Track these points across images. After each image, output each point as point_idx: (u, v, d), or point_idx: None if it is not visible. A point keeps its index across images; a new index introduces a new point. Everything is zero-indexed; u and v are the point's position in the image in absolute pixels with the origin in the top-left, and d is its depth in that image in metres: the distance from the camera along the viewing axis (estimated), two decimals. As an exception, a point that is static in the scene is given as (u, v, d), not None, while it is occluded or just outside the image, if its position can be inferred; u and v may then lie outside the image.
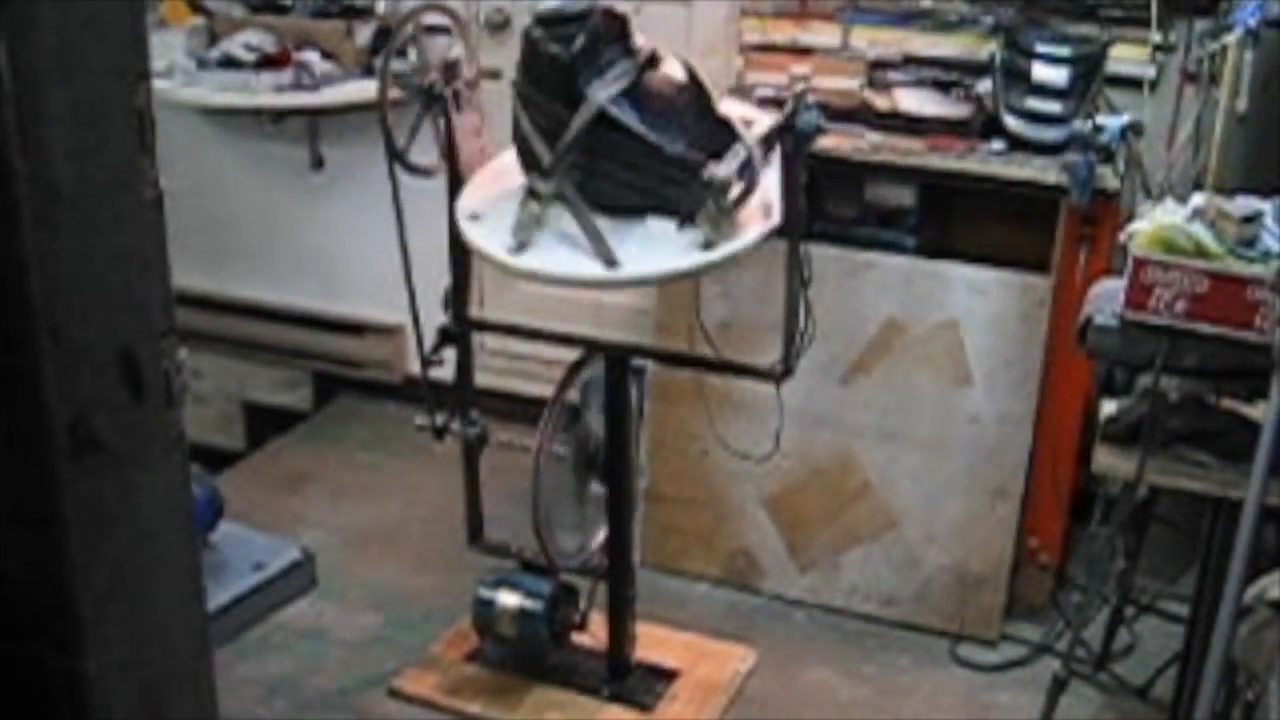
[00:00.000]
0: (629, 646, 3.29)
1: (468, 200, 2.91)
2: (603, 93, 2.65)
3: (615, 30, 2.72)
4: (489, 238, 2.78)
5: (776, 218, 2.73)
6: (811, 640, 3.59)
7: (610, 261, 2.67)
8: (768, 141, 2.71)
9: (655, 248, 2.71)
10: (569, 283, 2.88)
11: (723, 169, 2.63)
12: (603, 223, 2.70)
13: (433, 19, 3.00)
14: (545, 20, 2.67)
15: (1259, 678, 2.32)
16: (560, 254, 2.71)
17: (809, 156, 2.73)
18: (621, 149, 2.69)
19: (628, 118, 2.67)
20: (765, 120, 2.84)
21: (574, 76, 2.65)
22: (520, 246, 2.72)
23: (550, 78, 2.68)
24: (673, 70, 2.77)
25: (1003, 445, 3.44)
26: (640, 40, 2.75)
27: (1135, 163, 3.47)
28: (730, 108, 2.89)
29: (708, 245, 2.66)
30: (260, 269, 4.81)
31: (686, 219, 2.67)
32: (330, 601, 3.61)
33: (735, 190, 2.65)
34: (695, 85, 2.73)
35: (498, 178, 2.92)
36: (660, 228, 2.71)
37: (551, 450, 3.02)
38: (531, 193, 2.71)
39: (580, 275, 2.73)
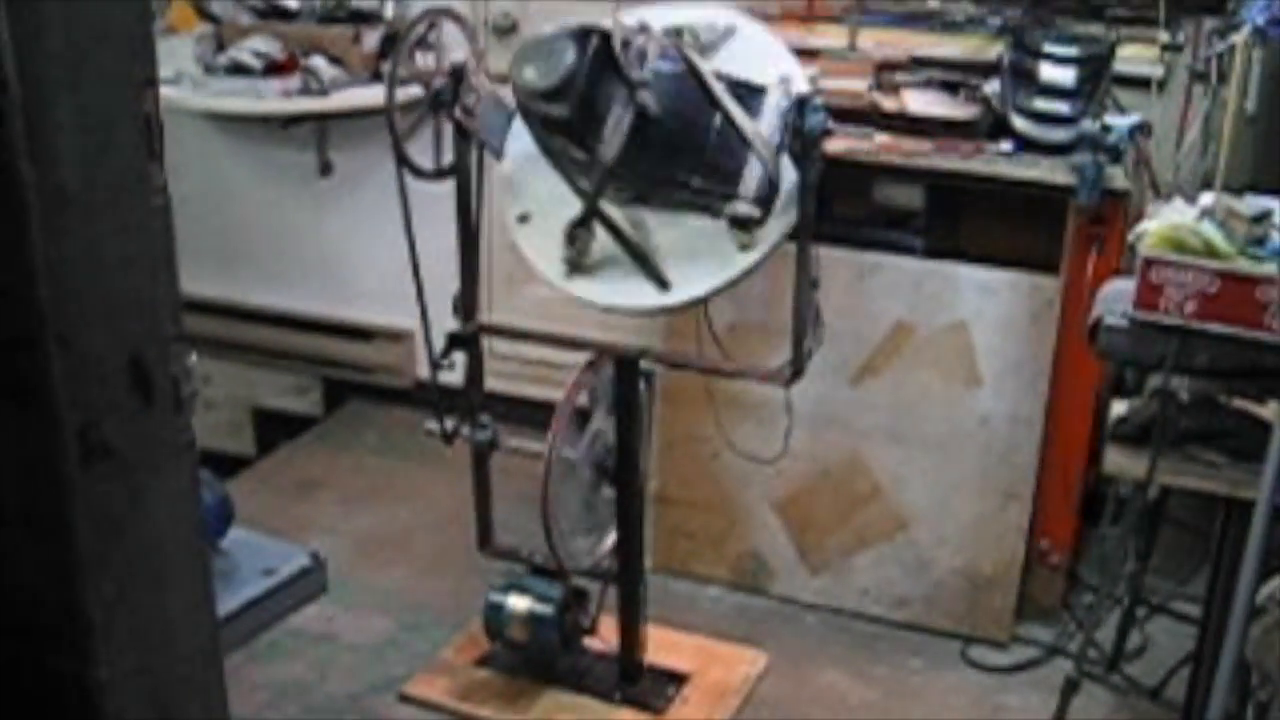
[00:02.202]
0: (640, 650, 3.29)
1: (518, 199, 2.92)
2: (610, 148, 2.65)
3: (603, 62, 2.66)
4: (541, 252, 2.84)
5: (795, 207, 2.74)
6: (822, 643, 3.58)
7: (662, 283, 2.75)
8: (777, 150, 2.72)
9: (698, 253, 2.77)
10: (626, 312, 2.92)
11: (743, 206, 2.67)
12: (644, 214, 2.79)
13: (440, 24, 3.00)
14: (533, 95, 2.64)
15: (1272, 678, 2.32)
16: (612, 278, 2.78)
17: (817, 158, 2.73)
18: (644, 181, 2.76)
19: (642, 165, 2.72)
20: (785, 62, 2.86)
21: (578, 132, 2.67)
22: (572, 270, 2.79)
23: (556, 133, 2.71)
24: (666, 67, 2.76)
25: (1013, 446, 3.44)
26: (629, 53, 2.73)
27: (1144, 162, 3.46)
28: (749, 51, 2.90)
29: (744, 246, 2.73)
30: (269, 274, 4.82)
31: (721, 214, 2.72)
32: (340, 606, 3.61)
33: (758, 213, 2.69)
34: (694, 76, 2.74)
35: (535, 164, 2.89)
36: (697, 222, 2.77)
37: (561, 454, 3.01)
38: (572, 235, 2.76)
39: (636, 305, 2.82)
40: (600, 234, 2.78)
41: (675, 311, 2.98)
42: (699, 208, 2.77)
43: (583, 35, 2.64)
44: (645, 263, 2.75)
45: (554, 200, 2.81)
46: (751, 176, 2.69)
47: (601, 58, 2.65)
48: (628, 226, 2.78)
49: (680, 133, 2.75)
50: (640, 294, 2.78)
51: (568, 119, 2.62)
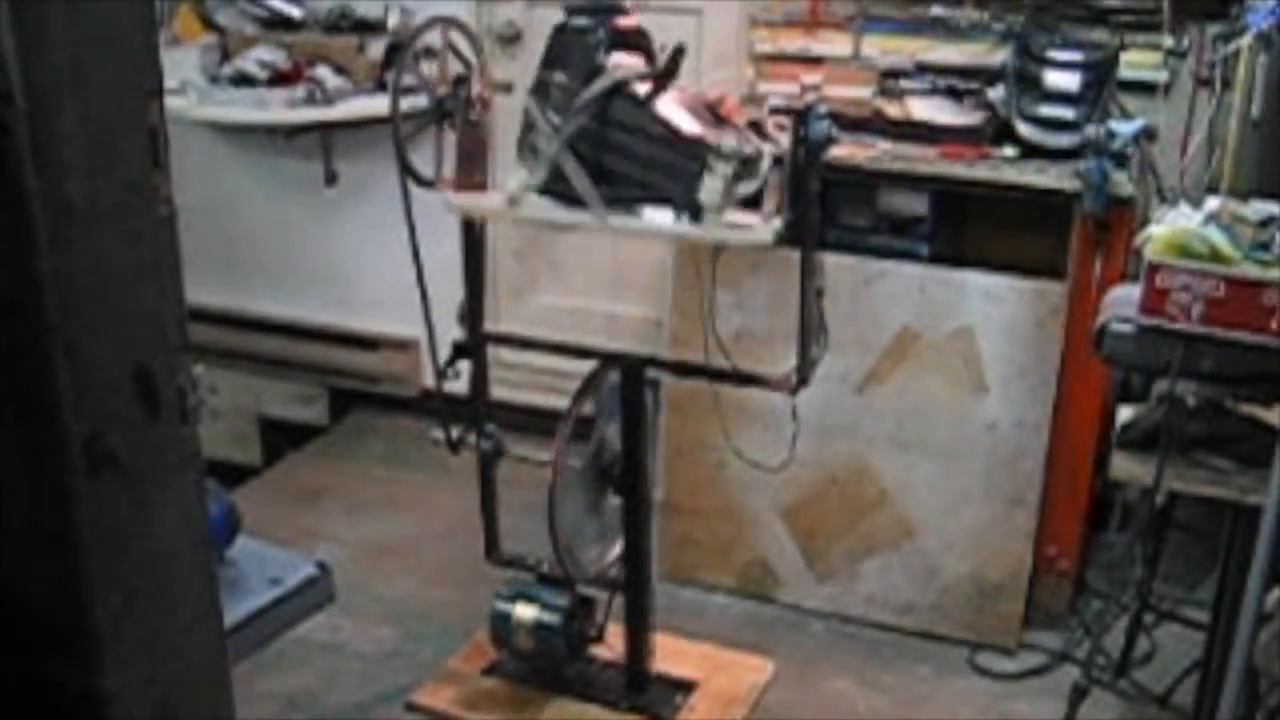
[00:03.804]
0: (647, 658, 3.28)
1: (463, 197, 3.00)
2: (622, 71, 2.74)
3: (638, 40, 2.81)
4: (482, 200, 2.92)
5: (776, 222, 2.73)
6: (829, 650, 3.58)
7: (602, 217, 2.80)
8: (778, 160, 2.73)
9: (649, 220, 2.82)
10: (560, 224, 2.96)
11: (734, 141, 2.69)
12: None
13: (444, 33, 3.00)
14: (577, 8, 2.81)
15: (1280, 684, 2.31)
16: (554, 207, 2.82)
17: (822, 166, 2.73)
18: (631, 133, 2.75)
19: (604, 158, 2.76)
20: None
21: (596, 52, 2.75)
22: (514, 203, 2.84)
23: (573, 55, 2.77)
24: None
25: (1019, 452, 3.43)
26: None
27: (1149, 168, 3.46)
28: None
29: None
30: (275, 284, 4.83)
31: (684, 209, 2.71)
32: (347, 616, 3.61)
33: (742, 173, 2.70)
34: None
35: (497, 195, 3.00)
36: (657, 216, 2.78)
37: (567, 463, 3.01)
38: (531, 151, 2.80)
39: (572, 220, 2.83)
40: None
41: (610, 231, 2.96)
42: (665, 198, 2.78)
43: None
44: (591, 196, 2.79)
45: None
46: (746, 142, 2.74)
47: (637, 38, 2.83)
48: (580, 169, 2.81)
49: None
50: (580, 215, 2.82)
51: (597, 38, 2.78)
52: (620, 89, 2.76)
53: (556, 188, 2.80)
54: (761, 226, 2.71)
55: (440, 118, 2.92)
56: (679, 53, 2.73)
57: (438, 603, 3.73)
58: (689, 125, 2.76)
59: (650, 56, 2.85)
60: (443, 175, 2.99)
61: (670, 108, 2.79)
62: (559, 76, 2.78)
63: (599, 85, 2.74)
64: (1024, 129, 3.44)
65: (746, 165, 2.69)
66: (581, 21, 2.80)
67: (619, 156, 2.77)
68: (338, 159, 4.60)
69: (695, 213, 2.70)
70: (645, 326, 4.09)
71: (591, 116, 2.76)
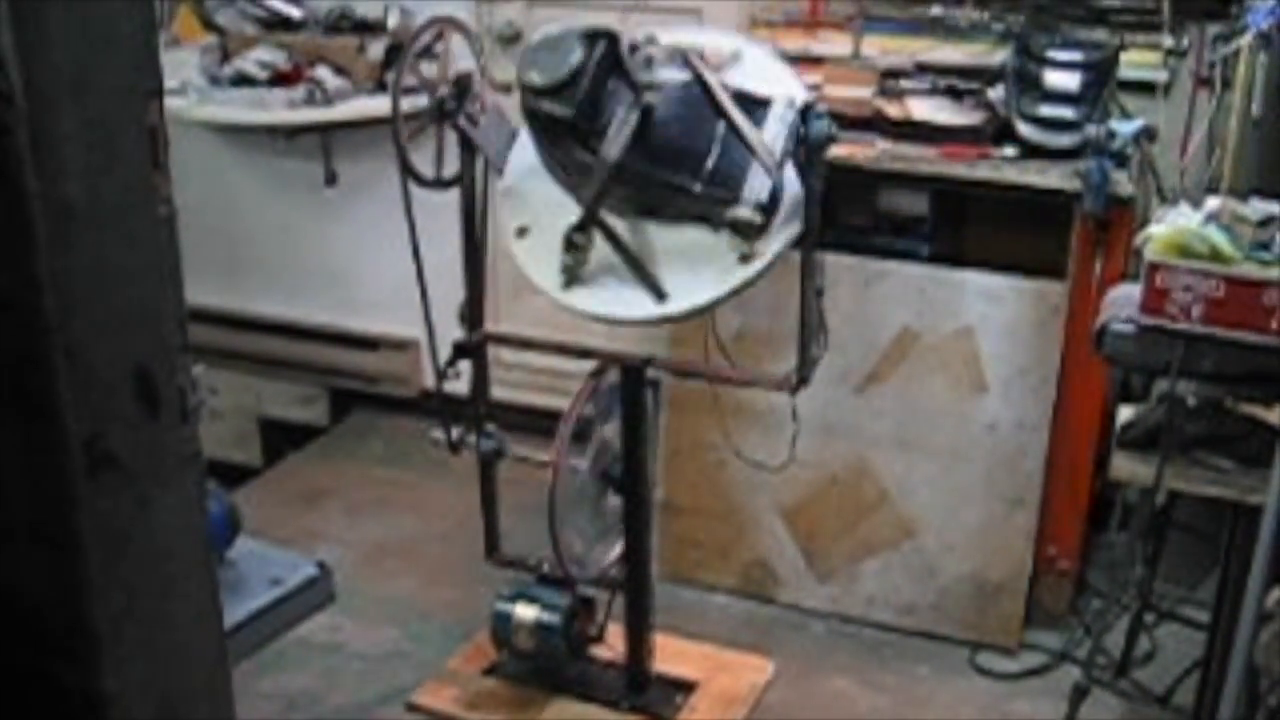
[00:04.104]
0: (647, 658, 3.29)
1: (516, 212, 2.93)
2: (614, 147, 2.66)
3: (609, 64, 2.69)
4: (539, 264, 2.84)
5: (799, 219, 2.73)
6: (830, 650, 3.58)
7: (659, 293, 2.73)
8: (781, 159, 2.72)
9: (698, 264, 2.75)
10: (622, 323, 2.90)
11: (744, 210, 2.66)
12: (643, 225, 2.78)
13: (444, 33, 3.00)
14: (538, 91, 2.65)
15: (1281, 684, 2.31)
16: (610, 288, 2.78)
17: (822, 166, 2.73)
18: (647, 185, 2.74)
19: (644, 168, 2.71)
20: (790, 82, 2.86)
21: (582, 132, 2.67)
22: (569, 281, 2.78)
23: (560, 135, 2.70)
24: (672, 74, 2.77)
25: (1020, 452, 3.43)
26: (635, 57, 2.75)
27: (1149, 167, 3.46)
28: (754, 72, 2.89)
29: (744, 258, 2.71)
30: (275, 285, 4.83)
31: (722, 224, 2.70)
32: (348, 616, 3.61)
33: (760, 218, 2.68)
34: (699, 83, 2.74)
35: (536, 177, 2.91)
36: (697, 233, 2.75)
37: (568, 463, 3.01)
38: (570, 241, 2.75)
39: (633, 315, 2.80)
40: (599, 245, 2.78)
41: (672, 321, 2.97)
42: (699, 218, 2.75)
43: (590, 37, 2.65)
44: (642, 272, 2.74)
45: (553, 212, 2.81)
46: (753, 185, 2.69)
47: (608, 60, 2.67)
48: (627, 235, 2.77)
49: (682, 140, 2.74)
50: (637, 305, 2.77)
51: (571, 119, 2.63)
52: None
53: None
54: (787, 228, 2.73)
55: (441, 118, 2.92)
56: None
57: (438, 603, 3.73)
58: (698, 188, 2.74)
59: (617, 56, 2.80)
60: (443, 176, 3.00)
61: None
62: (555, 151, 2.75)
63: (598, 180, 2.68)
64: (1024, 129, 3.44)
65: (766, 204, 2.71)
66: (557, 112, 2.63)
67: (646, 193, 2.76)
68: (338, 159, 4.60)
69: (735, 229, 2.69)
70: (645, 327, 4.08)
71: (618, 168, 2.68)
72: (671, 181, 2.72)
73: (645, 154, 2.69)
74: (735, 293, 2.77)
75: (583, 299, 2.79)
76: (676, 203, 2.76)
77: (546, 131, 2.72)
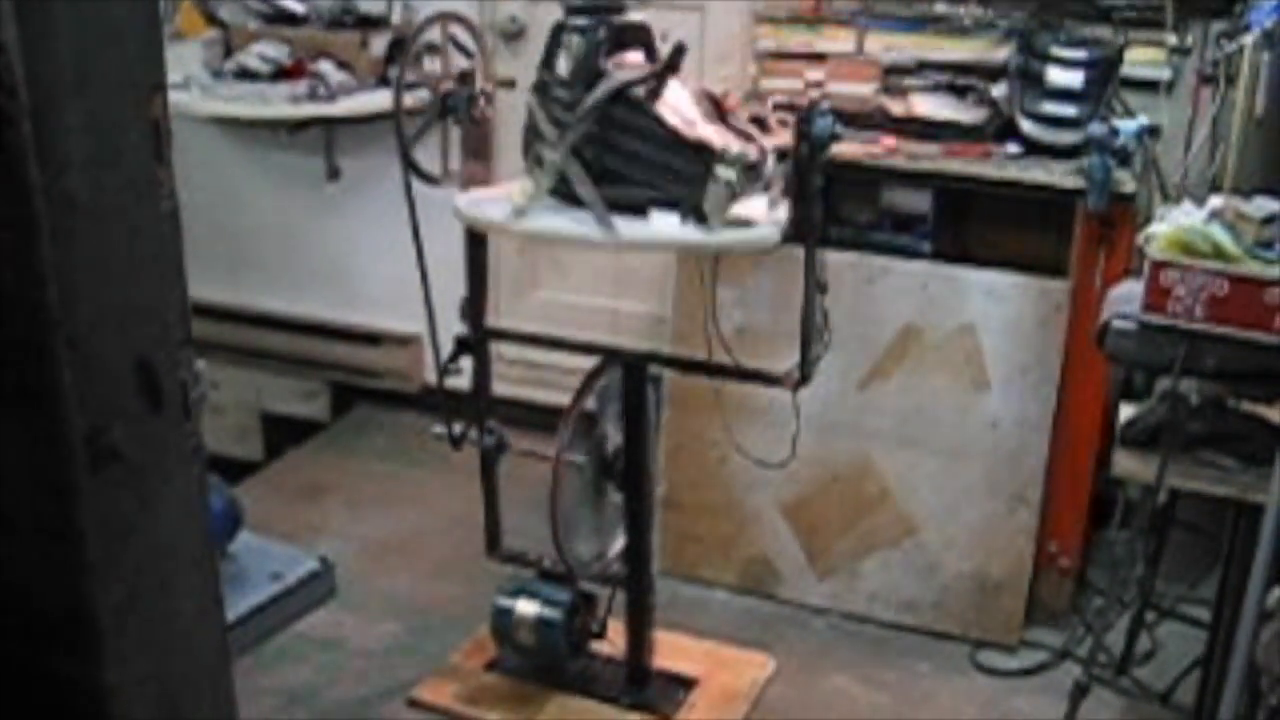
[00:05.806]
0: (648, 655, 3.29)
1: (469, 197, 2.95)
2: (623, 74, 2.69)
3: (639, 36, 2.78)
4: (488, 209, 2.85)
5: (780, 218, 2.72)
6: (831, 647, 3.58)
7: (609, 228, 2.73)
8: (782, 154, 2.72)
9: (656, 231, 2.76)
10: (567, 240, 2.90)
11: (739, 147, 2.66)
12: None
13: (448, 28, 3.00)
14: (576, 8, 2.74)
15: (1282, 682, 2.31)
16: (559, 220, 2.76)
17: (825, 162, 2.73)
18: (634, 136, 2.72)
19: (609, 162, 2.72)
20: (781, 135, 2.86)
21: (598, 56, 2.70)
22: (519, 214, 2.78)
23: (574, 59, 2.72)
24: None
25: (1021, 450, 3.43)
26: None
27: (1152, 165, 3.46)
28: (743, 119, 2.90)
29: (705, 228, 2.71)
30: (277, 279, 4.83)
31: (689, 213, 2.68)
32: (349, 611, 3.62)
33: (745, 179, 2.67)
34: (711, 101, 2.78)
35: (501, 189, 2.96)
36: (662, 220, 2.73)
37: (569, 459, 3.01)
38: (536, 162, 2.75)
39: (578, 234, 2.77)
40: (549, 202, 2.79)
41: (617, 249, 2.93)
42: (671, 202, 2.74)
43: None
44: (596, 206, 2.73)
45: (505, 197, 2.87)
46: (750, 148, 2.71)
47: (640, 35, 2.80)
48: (586, 177, 2.77)
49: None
50: (588, 229, 2.75)
51: (597, 38, 2.72)
52: (623, 93, 2.74)
53: (561, 190, 2.78)
54: (767, 227, 2.70)
55: (443, 113, 2.91)
56: (679, 50, 2.72)
57: (439, 598, 3.73)
58: (694, 127, 2.74)
59: (652, 53, 2.84)
60: (449, 170, 2.99)
61: (676, 104, 2.77)
62: (560, 81, 2.76)
63: (601, 92, 2.70)
64: (1027, 126, 3.44)
65: (750, 170, 2.68)
66: (581, 21, 2.75)
67: (624, 159, 2.72)
68: (340, 154, 4.60)
69: (701, 217, 2.66)
70: (647, 322, 4.09)
71: (595, 121, 2.73)
72: (669, 122, 2.72)
73: (610, 151, 2.75)
74: (685, 248, 2.84)
75: (533, 222, 2.79)
76: (654, 170, 2.73)
77: (564, 61, 2.76)
